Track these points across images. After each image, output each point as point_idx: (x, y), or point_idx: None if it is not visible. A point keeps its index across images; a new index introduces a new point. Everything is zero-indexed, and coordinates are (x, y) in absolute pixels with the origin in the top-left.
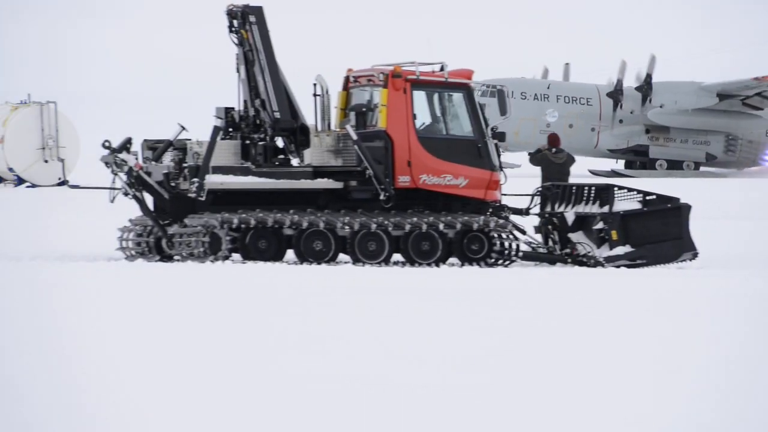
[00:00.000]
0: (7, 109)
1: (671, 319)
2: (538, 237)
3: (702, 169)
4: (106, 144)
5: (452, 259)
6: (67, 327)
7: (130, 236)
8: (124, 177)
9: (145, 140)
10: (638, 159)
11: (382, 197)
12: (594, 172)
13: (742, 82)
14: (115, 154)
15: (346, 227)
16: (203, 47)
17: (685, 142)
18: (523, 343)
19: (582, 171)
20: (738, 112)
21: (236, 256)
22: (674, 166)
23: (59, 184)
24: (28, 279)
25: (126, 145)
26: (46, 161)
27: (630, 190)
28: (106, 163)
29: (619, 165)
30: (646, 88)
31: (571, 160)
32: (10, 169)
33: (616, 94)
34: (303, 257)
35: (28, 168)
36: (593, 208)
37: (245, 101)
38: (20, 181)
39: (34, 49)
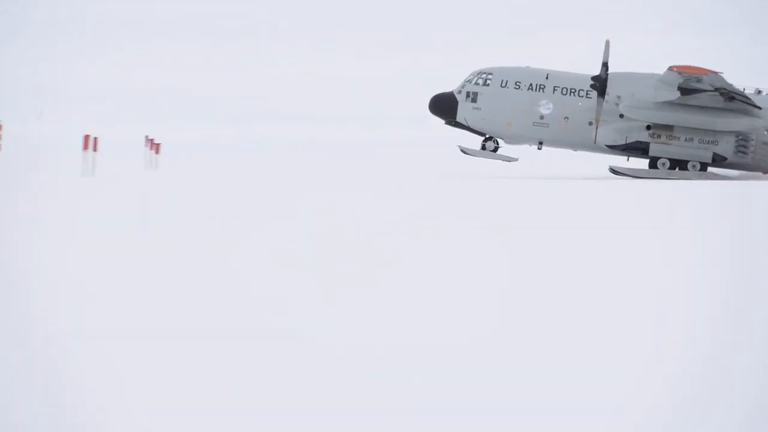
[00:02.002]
0: None
1: None
2: None
3: (710, 169)
4: None
5: None
6: None
7: None
8: None
9: None
10: (639, 157)
11: None
12: (614, 170)
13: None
14: None
15: None
16: None
17: (690, 140)
18: None
19: (587, 168)
20: (722, 109)
21: None
22: (678, 165)
23: None
24: None
25: None
26: None
27: None
28: None
29: (624, 162)
30: (603, 78)
31: None
32: None
33: (600, 80)
34: None
35: None
36: None
37: None
38: None
39: None
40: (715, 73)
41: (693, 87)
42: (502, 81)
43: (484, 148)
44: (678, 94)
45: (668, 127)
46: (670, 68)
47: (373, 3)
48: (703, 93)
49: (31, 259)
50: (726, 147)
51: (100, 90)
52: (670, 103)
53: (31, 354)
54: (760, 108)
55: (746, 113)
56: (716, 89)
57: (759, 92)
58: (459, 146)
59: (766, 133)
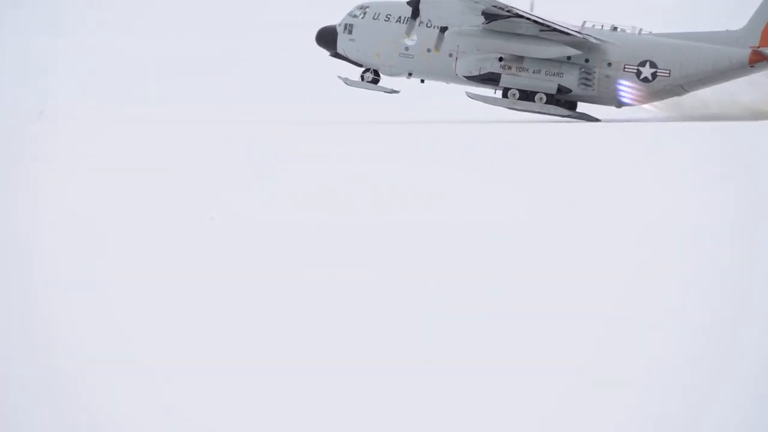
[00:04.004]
0: None
1: None
2: None
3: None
4: None
5: None
6: None
7: None
8: None
9: None
10: (493, 87)
11: None
12: (470, 95)
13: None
14: None
15: None
16: None
17: (537, 72)
18: None
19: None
20: (535, 36)
21: None
22: (527, 97)
23: None
24: None
25: None
26: None
27: None
28: None
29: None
30: (415, 1)
31: None
32: None
33: (414, 3)
34: None
35: None
36: None
37: None
38: None
39: None
40: None
41: (494, 12)
42: (375, 14)
43: (362, 78)
44: (482, 19)
45: (518, 59)
46: None
47: None
48: (506, 19)
49: None
50: (570, 79)
51: None
52: (490, 30)
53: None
54: (579, 36)
55: (561, 42)
56: (515, 15)
57: (615, 29)
58: (339, 76)
59: (608, 66)
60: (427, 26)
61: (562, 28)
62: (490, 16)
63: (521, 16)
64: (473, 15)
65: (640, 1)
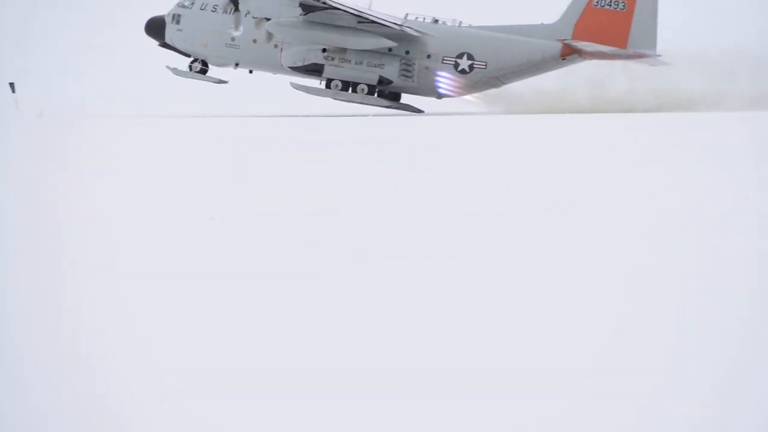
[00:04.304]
0: None
1: None
2: None
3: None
4: None
5: None
6: None
7: None
8: None
9: None
10: (317, 78)
11: None
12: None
13: None
14: None
15: None
16: None
17: (359, 63)
18: None
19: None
20: (354, 28)
21: None
22: (349, 87)
23: None
24: None
25: None
26: None
27: None
28: None
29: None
30: None
31: None
32: None
33: None
34: None
35: None
36: None
37: None
38: None
39: None
40: None
41: (310, 4)
42: (202, 4)
43: (191, 69)
44: (300, 10)
45: (341, 50)
46: None
47: None
48: (324, 11)
49: None
50: (391, 70)
51: None
52: (309, 22)
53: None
54: (397, 28)
55: (378, 34)
56: (330, 6)
57: (436, 21)
58: (167, 66)
59: (427, 58)
60: (253, 17)
61: (378, 20)
62: (307, 8)
63: (336, 8)
64: (292, 6)
65: None
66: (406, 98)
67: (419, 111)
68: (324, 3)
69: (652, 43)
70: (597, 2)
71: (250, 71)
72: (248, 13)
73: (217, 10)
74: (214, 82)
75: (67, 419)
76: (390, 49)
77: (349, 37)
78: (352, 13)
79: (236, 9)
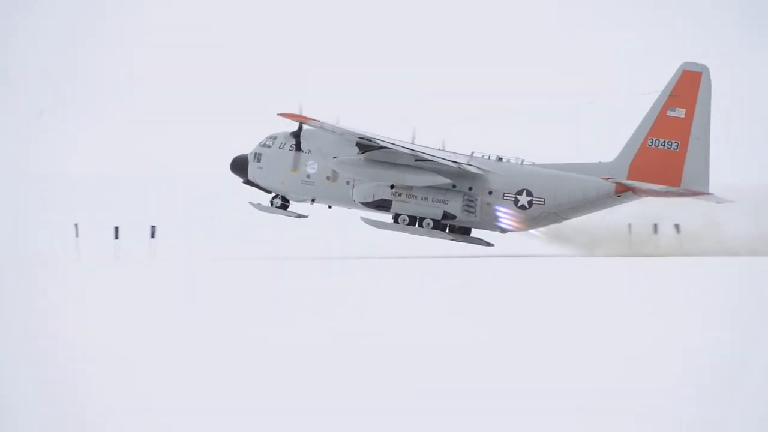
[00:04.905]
0: None
1: None
2: None
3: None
4: None
5: None
6: None
7: None
8: None
9: None
10: (385, 213)
11: None
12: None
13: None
14: None
15: None
16: None
17: (425, 199)
18: None
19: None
20: (410, 166)
21: None
22: (415, 222)
23: None
24: None
25: None
26: None
27: None
28: None
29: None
30: (297, 134)
31: None
32: None
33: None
34: None
35: None
36: None
37: None
38: None
39: None
40: (317, 120)
41: (365, 144)
42: (281, 143)
43: (272, 204)
44: (357, 150)
45: (408, 187)
46: (279, 114)
47: None
48: (381, 150)
49: None
50: (455, 206)
51: None
52: (369, 160)
53: None
54: (454, 165)
55: (435, 171)
56: (382, 147)
57: (500, 159)
58: (249, 202)
59: (489, 194)
60: (309, 157)
61: (434, 158)
62: (363, 147)
63: (389, 148)
64: (349, 146)
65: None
66: (476, 232)
67: (489, 244)
68: (376, 143)
69: (705, 182)
70: (651, 142)
71: (329, 206)
72: (310, 151)
73: (293, 150)
74: (294, 217)
75: None
76: (454, 186)
77: (407, 175)
78: (406, 152)
79: (298, 148)
